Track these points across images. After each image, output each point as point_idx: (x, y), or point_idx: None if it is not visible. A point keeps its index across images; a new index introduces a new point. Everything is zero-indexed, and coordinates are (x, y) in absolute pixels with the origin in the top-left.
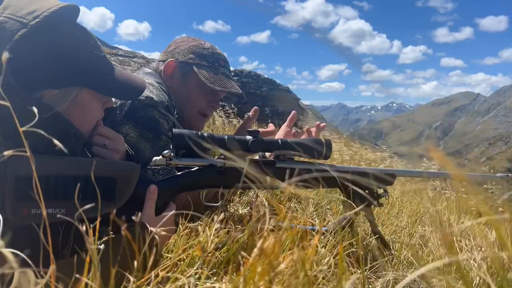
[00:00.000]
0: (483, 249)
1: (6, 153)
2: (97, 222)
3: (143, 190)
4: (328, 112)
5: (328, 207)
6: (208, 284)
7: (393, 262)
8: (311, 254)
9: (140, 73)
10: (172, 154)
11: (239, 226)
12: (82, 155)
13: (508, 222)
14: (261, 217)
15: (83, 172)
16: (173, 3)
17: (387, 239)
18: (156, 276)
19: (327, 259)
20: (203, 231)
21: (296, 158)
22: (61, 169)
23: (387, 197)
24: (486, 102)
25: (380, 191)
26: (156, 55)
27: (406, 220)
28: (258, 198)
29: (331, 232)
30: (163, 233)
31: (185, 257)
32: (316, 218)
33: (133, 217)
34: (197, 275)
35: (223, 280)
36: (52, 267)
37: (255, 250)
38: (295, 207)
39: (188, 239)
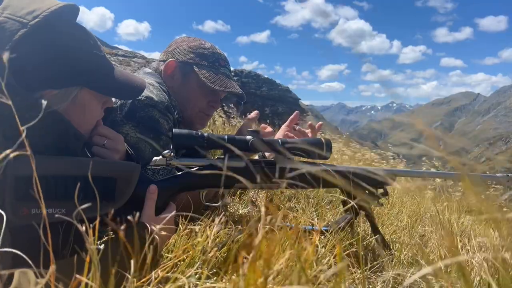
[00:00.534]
0: (483, 249)
1: (8, 151)
2: (97, 222)
3: (143, 190)
4: (328, 112)
5: (328, 207)
6: (208, 284)
7: (393, 262)
8: (310, 254)
9: (140, 73)
10: (172, 154)
11: (239, 226)
12: (82, 155)
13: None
14: (261, 217)
15: (83, 172)
16: (173, 3)
17: (387, 239)
18: (156, 276)
19: (327, 259)
20: (204, 232)
21: (296, 158)
22: (61, 169)
23: (387, 197)
24: (486, 102)
25: (380, 191)
26: (156, 55)
27: (406, 220)
28: (258, 198)
29: (331, 232)
30: (163, 233)
31: (185, 257)
32: (316, 218)
33: (129, 217)
34: (197, 275)
35: (223, 280)
36: (52, 267)
37: (254, 250)
38: (295, 207)
39: (188, 239)
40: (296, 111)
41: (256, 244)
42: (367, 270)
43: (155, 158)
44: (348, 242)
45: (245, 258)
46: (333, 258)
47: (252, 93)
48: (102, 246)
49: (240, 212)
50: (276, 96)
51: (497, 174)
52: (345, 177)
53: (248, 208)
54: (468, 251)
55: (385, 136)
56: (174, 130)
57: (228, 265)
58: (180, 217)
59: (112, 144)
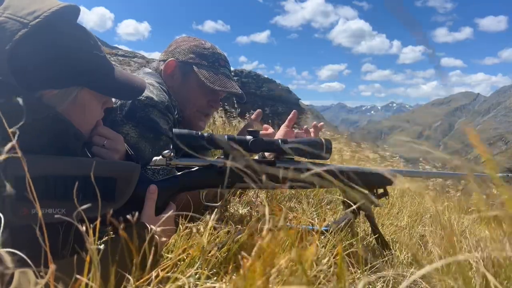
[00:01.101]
0: (482, 247)
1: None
2: (97, 222)
3: (143, 190)
4: (328, 112)
5: (328, 207)
6: (208, 284)
7: (393, 262)
8: (310, 254)
9: (140, 73)
10: (172, 154)
11: (239, 226)
12: (82, 155)
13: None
14: (261, 217)
15: (82, 172)
16: (173, 3)
17: (387, 239)
18: (156, 276)
19: (326, 259)
20: (202, 231)
21: (296, 158)
22: (61, 169)
23: (387, 197)
24: (486, 102)
25: (380, 191)
26: (156, 55)
27: (406, 220)
28: (258, 198)
29: (331, 232)
30: (163, 232)
31: (185, 257)
32: (316, 218)
33: (128, 217)
34: (197, 275)
35: (223, 280)
36: (52, 267)
37: (254, 250)
38: (295, 207)
39: (188, 239)
40: (294, 111)
41: (258, 244)
42: (367, 270)
43: (155, 158)
44: (348, 242)
45: (245, 258)
46: (333, 258)
47: (252, 93)
48: (102, 246)
49: (240, 212)
50: (276, 96)
51: (497, 174)
52: (345, 177)
53: (248, 208)
54: (468, 251)
55: (385, 136)
56: (174, 130)
57: (228, 265)
58: (180, 217)
59: (112, 144)
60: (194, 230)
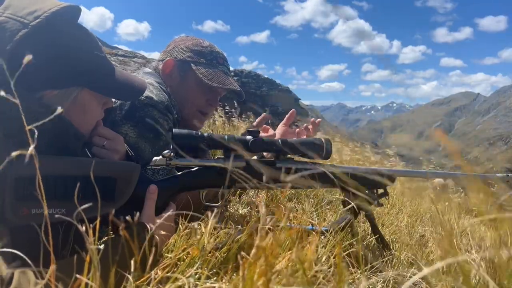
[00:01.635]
0: (482, 248)
1: (14, 153)
2: (97, 222)
3: (143, 190)
4: (328, 112)
5: (328, 207)
6: (208, 284)
7: (393, 262)
8: (310, 254)
9: (140, 73)
10: (172, 154)
11: (239, 226)
12: (82, 155)
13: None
14: (260, 217)
15: (82, 172)
16: (173, 3)
17: (387, 239)
18: (156, 276)
19: (326, 258)
20: (203, 230)
21: (296, 158)
22: (61, 169)
23: (387, 197)
24: (486, 102)
25: (380, 191)
26: (156, 55)
27: (406, 220)
28: (258, 198)
29: (331, 232)
30: (163, 232)
31: (185, 257)
32: (316, 218)
33: (128, 218)
34: (197, 275)
35: (223, 280)
36: (52, 267)
37: (254, 250)
38: (295, 207)
39: (188, 239)
40: (293, 110)
41: (257, 245)
42: (367, 270)
43: (155, 158)
44: (348, 242)
45: (245, 258)
46: (333, 258)
47: (252, 93)
48: (102, 246)
49: (240, 212)
50: (276, 96)
51: (497, 174)
52: (345, 177)
53: (248, 208)
54: (467, 251)
55: (385, 136)
56: (174, 130)
57: (228, 265)
58: (180, 216)
59: (112, 145)
60: (196, 227)
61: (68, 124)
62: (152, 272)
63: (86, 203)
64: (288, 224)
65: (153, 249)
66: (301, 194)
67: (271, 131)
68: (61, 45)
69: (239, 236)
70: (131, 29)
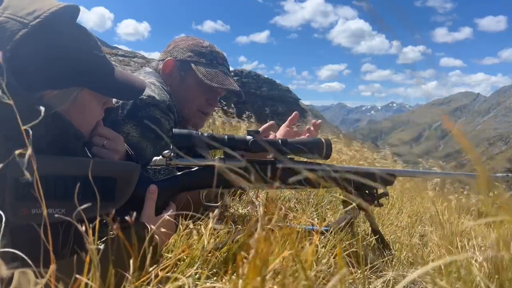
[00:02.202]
0: (482, 248)
1: (16, 152)
2: (97, 222)
3: (143, 190)
4: (328, 112)
5: (328, 207)
6: (208, 284)
7: (393, 262)
8: (309, 254)
9: (142, 72)
10: (172, 154)
11: (239, 226)
12: (82, 155)
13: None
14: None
15: (82, 172)
16: (173, 3)
17: (387, 239)
18: (156, 276)
19: (326, 259)
20: (203, 230)
21: (296, 158)
22: (61, 169)
23: (387, 197)
24: (486, 102)
25: (380, 191)
26: (156, 55)
27: (406, 220)
28: (258, 198)
29: (331, 232)
30: (163, 231)
31: (185, 257)
32: (316, 218)
33: (127, 218)
34: (197, 275)
35: (223, 280)
36: (52, 267)
37: (252, 250)
38: (295, 207)
39: (188, 239)
40: (296, 112)
41: (255, 244)
42: (367, 270)
43: (155, 158)
44: (348, 242)
45: (245, 258)
46: (333, 258)
47: (252, 93)
48: (102, 246)
49: (240, 212)
50: (276, 96)
51: (497, 174)
52: (345, 177)
53: (248, 208)
54: (468, 251)
55: (385, 136)
56: (174, 130)
57: (228, 265)
58: (180, 216)
59: (112, 145)
60: (194, 230)
61: (68, 124)
62: (152, 272)
63: (86, 203)
64: (287, 224)
65: (153, 249)
66: (301, 194)
67: (272, 135)
68: (60, 45)
69: (239, 236)
70: (131, 29)
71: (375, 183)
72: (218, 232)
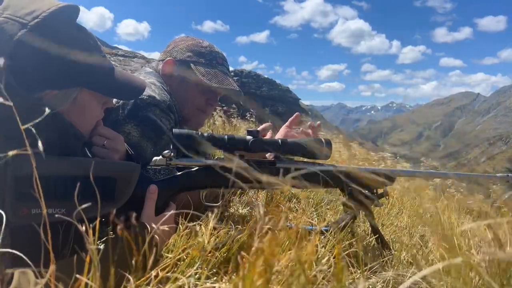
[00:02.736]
0: (482, 249)
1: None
2: (97, 222)
3: (143, 190)
4: (328, 112)
5: (328, 207)
6: (208, 284)
7: (393, 262)
8: (309, 254)
9: (142, 72)
10: (172, 154)
11: (239, 226)
12: (82, 155)
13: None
14: (260, 217)
15: (82, 172)
16: (173, 3)
17: (387, 239)
18: (156, 276)
19: (326, 259)
20: (201, 231)
21: (296, 158)
22: (61, 169)
23: (387, 197)
24: (486, 102)
25: (380, 191)
26: (156, 55)
27: (406, 220)
28: (258, 198)
29: (331, 232)
30: (163, 230)
31: (185, 257)
32: (316, 218)
33: (126, 218)
34: (197, 275)
35: (223, 280)
36: (52, 267)
37: (253, 250)
38: (295, 207)
39: (188, 239)
40: (297, 113)
41: (260, 245)
42: (367, 270)
43: (155, 158)
44: (348, 242)
45: (245, 258)
46: (333, 258)
47: (252, 93)
48: (102, 246)
49: (240, 212)
50: (276, 96)
51: (497, 174)
52: (345, 177)
53: (248, 208)
54: (468, 251)
55: (385, 136)
56: (174, 130)
57: (228, 265)
58: (180, 216)
59: (112, 144)
60: (196, 228)
61: (68, 124)
62: (152, 272)
63: (86, 203)
64: (287, 224)
65: (153, 249)
66: (301, 193)
67: (269, 134)
68: (59, 45)
69: (239, 236)
70: (131, 29)
71: (375, 183)
72: (218, 232)
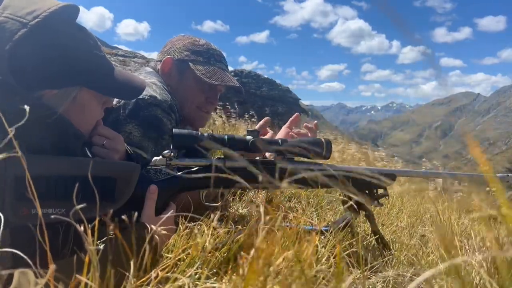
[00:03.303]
0: (483, 248)
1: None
2: (96, 222)
3: (143, 190)
4: (328, 112)
5: (328, 207)
6: (208, 284)
7: (393, 262)
8: (309, 254)
9: (142, 72)
10: (172, 154)
11: (239, 226)
12: (82, 155)
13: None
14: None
15: (82, 172)
16: (173, 3)
17: (387, 239)
18: (156, 276)
19: (325, 258)
20: (201, 231)
21: (296, 158)
22: (61, 169)
23: (387, 197)
24: (486, 102)
25: (380, 191)
26: (155, 55)
27: (406, 220)
28: (258, 198)
29: (331, 232)
30: (163, 232)
31: (185, 257)
32: (316, 218)
33: (124, 217)
34: (197, 275)
35: (223, 280)
36: (51, 267)
37: (252, 250)
38: (295, 207)
39: (188, 239)
40: (297, 113)
41: (258, 244)
42: (367, 270)
43: (155, 158)
44: (348, 242)
45: (245, 258)
46: (333, 258)
47: (252, 93)
48: (101, 246)
49: (240, 212)
50: (276, 96)
51: (497, 174)
52: (345, 177)
53: (248, 208)
54: (468, 251)
55: (385, 136)
56: (174, 130)
57: (228, 265)
58: (180, 217)
59: (112, 144)
60: (196, 230)
61: (68, 124)
62: (152, 272)
63: (86, 203)
64: (287, 224)
65: (153, 249)
66: (301, 194)
67: (270, 134)
68: (59, 44)
69: (239, 236)
70: (131, 29)
71: (375, 183)
72: (218, 232)
